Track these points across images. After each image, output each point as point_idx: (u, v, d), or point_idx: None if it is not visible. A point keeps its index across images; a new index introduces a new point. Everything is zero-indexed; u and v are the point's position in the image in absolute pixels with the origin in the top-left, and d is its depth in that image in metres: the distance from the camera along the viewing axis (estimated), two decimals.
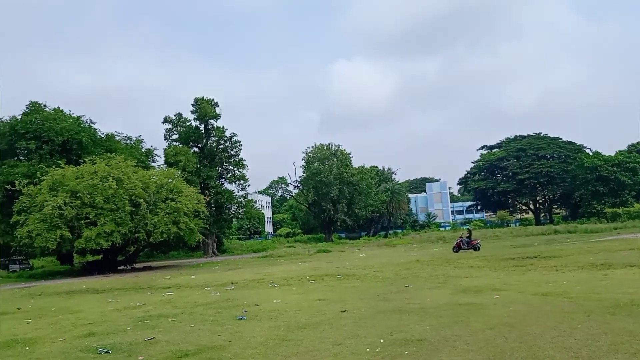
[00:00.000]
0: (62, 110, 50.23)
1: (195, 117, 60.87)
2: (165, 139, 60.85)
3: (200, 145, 61.30)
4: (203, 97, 60.93)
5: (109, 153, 44.74)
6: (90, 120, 51.36)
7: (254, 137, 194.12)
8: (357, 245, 62.26)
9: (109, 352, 9.07)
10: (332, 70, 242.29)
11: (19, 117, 48.33)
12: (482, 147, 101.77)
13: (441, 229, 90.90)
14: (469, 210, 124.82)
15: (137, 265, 44.24)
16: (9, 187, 41.04)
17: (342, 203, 76.51)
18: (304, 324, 10.79)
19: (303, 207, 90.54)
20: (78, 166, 40.44)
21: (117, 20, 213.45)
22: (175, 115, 61.15)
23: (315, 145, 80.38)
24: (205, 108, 59.98)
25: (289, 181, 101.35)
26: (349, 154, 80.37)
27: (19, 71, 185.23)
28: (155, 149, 59.35)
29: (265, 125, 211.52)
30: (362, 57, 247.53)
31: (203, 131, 61.41)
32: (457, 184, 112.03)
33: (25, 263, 49.59)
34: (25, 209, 37.02)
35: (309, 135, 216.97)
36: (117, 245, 38.18)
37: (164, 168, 51.20)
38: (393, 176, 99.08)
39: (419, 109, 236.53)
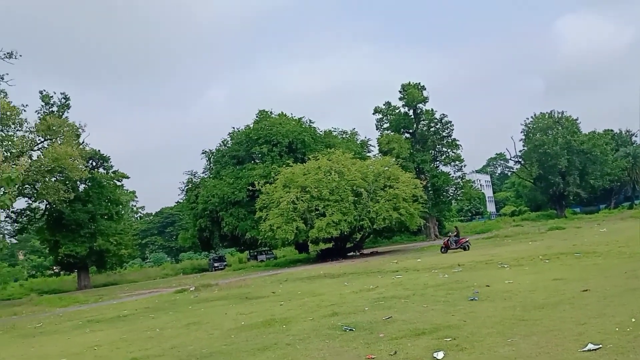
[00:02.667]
0: (285, 115, 55.65)
1: (404, 103, 61.37)
2: (377, 129, 62.67)
3: (411, 131, 61.67)
4: (409, 83, 61.14)
5: (328, 148, 47.83)
6: (310, 120, 56.01)
7: (467, 116, 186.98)
8: (595, 219, 55.93)
9: (352, 330, 9.74)
10: (555, 29, 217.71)
11: (252, 125, 54.89)
12: None
13: None
14: None
15: (365, 251, 46.48)
16: (250, 187, 46.95)
17: (572, 175, 69.63)
18: (541, 303, 10.14)
19: (527, 182, 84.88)
20: (304, 163, 44.11)
21: (334, 18, 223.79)
22: (384, 105, 62.55)
23: (535, 115, 74.48)
24: (412, 93, 60.13)
25: (508, 157, 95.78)
26: (576, 119, 72.82)
27: (252, 79, 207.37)
28: (369, 139, 61.77)
29: (479, 102, 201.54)
30: (590, 7, 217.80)
31: (412, 116, 61.64)
32: None
33: (269, 254, 56.13)
34: (265, 205, 41.72)
35: (528, 106, 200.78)
36: (345, 233, 40.65)
37: (379, 157, 52.78)
38: (634, 139, 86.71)
39: None
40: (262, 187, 42.86)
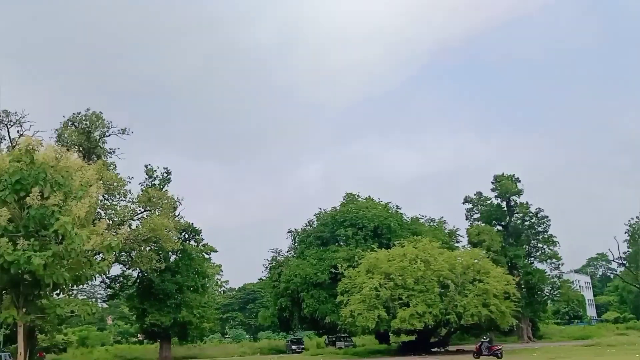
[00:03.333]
0: (372, 199, 55.90)
1: (496, 194, 59.68)
2: (466, 219, 60.98)
3: (503, 224, 59.41)
4: (503, 174, 59.73)
5: (414, 235, 46.86)
6: (397, 206, 55.73)
7: (565, 209, 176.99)
8: None
9: None
10: None
11: (338, 207, 55.39)
12: None
13: None
14: None
15: (450, 348, 43.76)
16: (332, 269, 46.58)
17: None
18: None
19: (633, 287, 77.63)
20: (389, 249, 43.30)
21: (440, 105, 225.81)
22: (475, 195, 61.12)
23: None
24: (506, 185, 58.50)
25: (611, 258, 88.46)
26: None
27: (348, 157, 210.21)
28: (457, 229, 59.93)
29: (579, 194, 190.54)
30: None
31: (505, 208, 59.61)
32: None
33: (348, 340, 54.35)
34: (347, 290, 40.94)
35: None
36: (430, 326, 38.62)
37: (468, 248, 50.89)
38: None
39: None
40: (345, 270, 42.42)
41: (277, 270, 56.06)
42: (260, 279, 71.60)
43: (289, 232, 59.65)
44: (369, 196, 56.32)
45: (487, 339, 33.00)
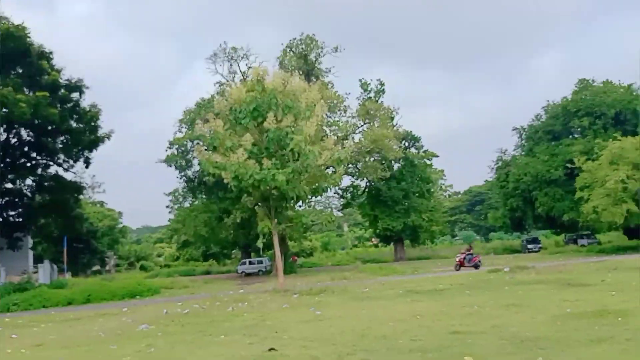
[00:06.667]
0: (610, 82, 48.89)
1: None
2: None
3: None
4: None
5: None
6: None
7: None
8: None
9: None
10: None
11: (569, 97, 49.92)
12: None
13: None
14: None
15: None
16: (568, 165, 42.86)
17: None
18: None
19: None
20: (635, 137, 37.95)
21: None
22: None
23: None
24: None
25: None
26: None
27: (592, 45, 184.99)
28: None
29: None
30: None
31: None
32: None
33: (592, 238, 50.51)
34: (587, 185, 37.58)
35: None
36: None
37: None
38: None
39: None
40: (583, 164, 38.62)
41: (504, 170, 54.07)
42: (486, 180, 70.01)
43: (514, 129, 56.36)
44: (607, 79, 49.37)
45: (470, 250, 31.83)
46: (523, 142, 55.19)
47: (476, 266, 30.02)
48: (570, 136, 49.05)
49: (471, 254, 31.27)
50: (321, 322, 12.35)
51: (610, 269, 22.33)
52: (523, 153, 53.85)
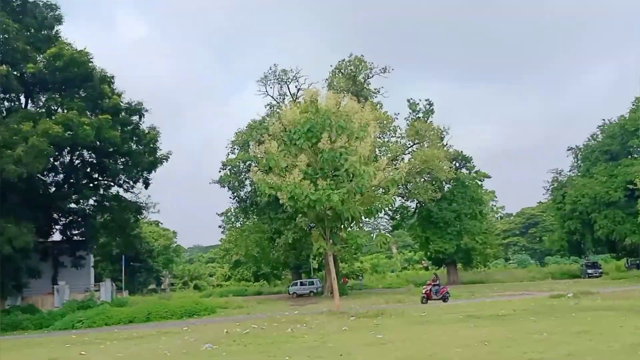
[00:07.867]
0: None
1: None
2: None
3: None
4: None
5: None
6: None
7: None
8: None
9: None
10: None
11: (627, 115, 48.21)
12: None
13: None
14: None
15: None
16: (629, 186, 41.14)
17: None
18: None
19: None
20: None
21: None
22: None
23: None
24: None
25: None
26: None
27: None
28: None
29: None
30: None
31: None
32: None
33: None
34: None
35: None
36: None
37: None
38: None
39: None
40: None
41: (560, 192, 52.38)
42: (540, 202, 67.94)
43: (568, 149, 54.74)
44: None
45: (437, 282, 27.77)
46: (579, 162, 53.48)
47: (444, 299, 26.91)
48: (630, 156, 47.15)
49: (438, 285, 27.80)
50: (384, 346, 12.22)
51: None
52: (579, 174, 52.12)
